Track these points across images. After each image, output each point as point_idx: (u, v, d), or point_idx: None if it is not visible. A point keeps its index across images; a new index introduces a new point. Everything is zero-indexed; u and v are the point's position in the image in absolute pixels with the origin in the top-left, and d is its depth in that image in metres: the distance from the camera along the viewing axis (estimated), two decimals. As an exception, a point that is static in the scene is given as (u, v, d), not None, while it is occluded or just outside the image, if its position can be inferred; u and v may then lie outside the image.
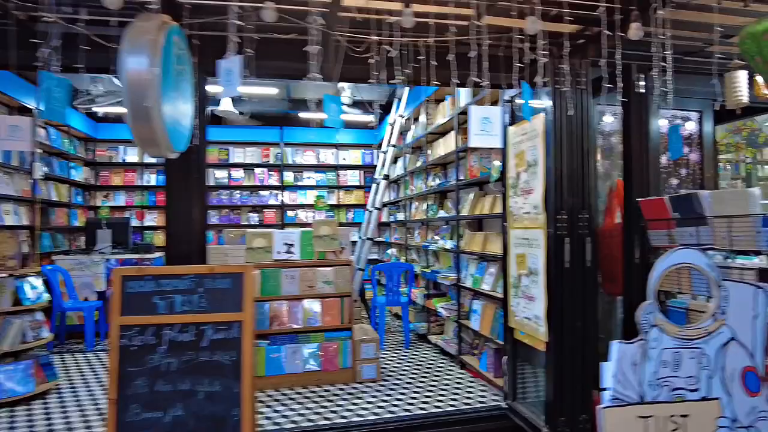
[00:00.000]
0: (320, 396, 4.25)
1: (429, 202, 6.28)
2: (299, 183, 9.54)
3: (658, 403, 1.89)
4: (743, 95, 3.43)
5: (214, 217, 9.26)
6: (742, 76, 3.49)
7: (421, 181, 6.61)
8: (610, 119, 4.31)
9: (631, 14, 2.83)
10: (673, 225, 3.13)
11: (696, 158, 4.73)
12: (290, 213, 9.37)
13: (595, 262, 3.31)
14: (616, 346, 2.02)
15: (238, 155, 9.40)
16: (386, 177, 6.39)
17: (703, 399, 1.96)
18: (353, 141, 9.76)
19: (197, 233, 2.95)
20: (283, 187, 9.48)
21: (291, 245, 4.76)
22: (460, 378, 4.63)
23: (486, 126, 2.84)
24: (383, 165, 6.47)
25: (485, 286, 4.49)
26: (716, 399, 1.97)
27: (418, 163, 6.62)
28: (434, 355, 5.45)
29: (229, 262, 4.38)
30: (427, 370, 4.88)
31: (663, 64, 2.89)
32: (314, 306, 4.63)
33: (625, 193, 3.45)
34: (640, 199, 3.30)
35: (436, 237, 5.92)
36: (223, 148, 9.37)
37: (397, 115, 6.49)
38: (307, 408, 3.97)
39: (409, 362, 5.18)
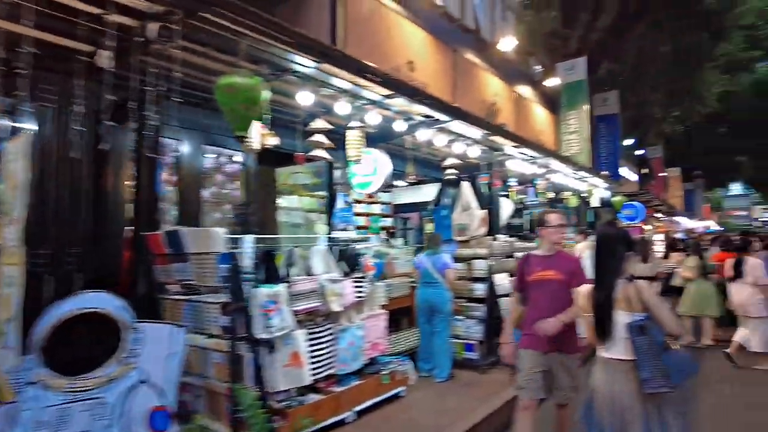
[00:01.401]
0: None
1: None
2: None
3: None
4: (254, 142, 3.87)
5: None
6: (253, 125, 3.92)
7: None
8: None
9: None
10: (171, 261, 3.17)
11: (238, 195, 5.19)
12: None
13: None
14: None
15: None
16: None
17: (94, 452, 1.89)
18: None
19: None
20: None
21: None
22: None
23: None
24: None
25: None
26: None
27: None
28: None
29: None
30: None
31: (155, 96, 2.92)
32: None
33: (133, 226, 3.34)
34: (145, 234, 3.22)
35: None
36: None
37: None
38: None
39: None
